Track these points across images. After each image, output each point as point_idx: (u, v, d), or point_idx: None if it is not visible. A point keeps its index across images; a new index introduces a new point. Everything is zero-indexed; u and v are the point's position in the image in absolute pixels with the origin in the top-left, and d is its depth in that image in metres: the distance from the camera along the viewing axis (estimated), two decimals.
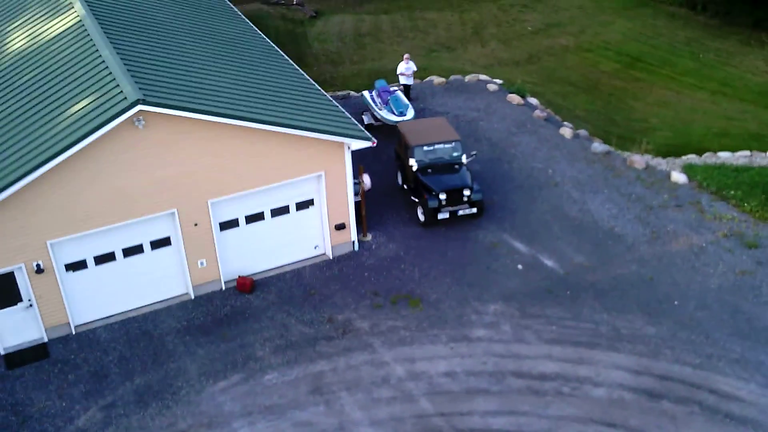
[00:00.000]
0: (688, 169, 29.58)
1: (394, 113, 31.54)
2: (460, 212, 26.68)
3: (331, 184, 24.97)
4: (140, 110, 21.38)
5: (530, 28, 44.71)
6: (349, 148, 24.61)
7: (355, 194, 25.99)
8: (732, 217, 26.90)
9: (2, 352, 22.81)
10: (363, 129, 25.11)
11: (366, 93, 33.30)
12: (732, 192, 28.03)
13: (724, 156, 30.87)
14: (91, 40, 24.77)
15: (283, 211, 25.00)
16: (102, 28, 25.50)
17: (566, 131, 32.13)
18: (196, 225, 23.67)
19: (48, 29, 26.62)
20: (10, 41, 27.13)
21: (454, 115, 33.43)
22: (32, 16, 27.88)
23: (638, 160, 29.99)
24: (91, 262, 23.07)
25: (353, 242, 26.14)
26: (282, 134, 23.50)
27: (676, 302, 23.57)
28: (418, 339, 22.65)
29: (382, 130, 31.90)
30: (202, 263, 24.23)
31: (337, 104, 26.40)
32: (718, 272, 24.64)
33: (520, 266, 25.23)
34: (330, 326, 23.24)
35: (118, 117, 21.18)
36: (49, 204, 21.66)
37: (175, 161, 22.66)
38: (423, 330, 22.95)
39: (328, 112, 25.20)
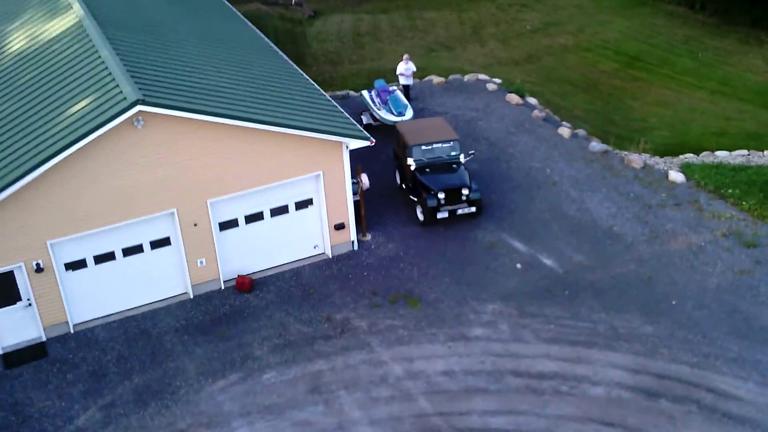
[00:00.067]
0: (686, 168, 29.64)
1: (393, 113, 31.58)
2: (459, 211, 26.73)
3: (329, 184, 25.02)
4: (139, 110, 21.44)
5: (529, 28, 44.75)
6: (347, 147, 24.66)
7: (354, 194, 26.04)
8: (730, 215, 26.95)
9: (1, 352, 22.85)
10: (361, 129, 25.17)
11: (365, 93, 33.34)
12: (730, 191, 28.09)
13: (722, 155, 30.93)
14: (91, 40, 24.82)
15: (283, 210, 25.05)
16: (101, 28, 25.54)
17: (565, 131, 32.18)
18: (195, 225, 23.71)
19: (47, 30, 26.68)
20: (9, 42, 27.19)
21: (452, 115, 33.48)
22: (32, 16, 27.93)
23: (636, 159, 30.04)
24: (90, 262, 23.13)
25: (352, 242, 26.19)
26: (281, 134, 23.55)
27: (674, 301, 23.61)
28: (417, 338, 22.70)
29: (381, 129, 31.94)
30: (201, 263, 24.28)
31: (336, 104, 26.45)
32: (717, 271, 24.68)
33: (518, 265, 25.28)
34: (328, 325, 23.29)
35: (117, 117, 21.25)
36: (49, 204, 21.72)
37: (174, 161, 22.70)
38: (421, 329, 22.99)
39: (326, 112, 25.26)
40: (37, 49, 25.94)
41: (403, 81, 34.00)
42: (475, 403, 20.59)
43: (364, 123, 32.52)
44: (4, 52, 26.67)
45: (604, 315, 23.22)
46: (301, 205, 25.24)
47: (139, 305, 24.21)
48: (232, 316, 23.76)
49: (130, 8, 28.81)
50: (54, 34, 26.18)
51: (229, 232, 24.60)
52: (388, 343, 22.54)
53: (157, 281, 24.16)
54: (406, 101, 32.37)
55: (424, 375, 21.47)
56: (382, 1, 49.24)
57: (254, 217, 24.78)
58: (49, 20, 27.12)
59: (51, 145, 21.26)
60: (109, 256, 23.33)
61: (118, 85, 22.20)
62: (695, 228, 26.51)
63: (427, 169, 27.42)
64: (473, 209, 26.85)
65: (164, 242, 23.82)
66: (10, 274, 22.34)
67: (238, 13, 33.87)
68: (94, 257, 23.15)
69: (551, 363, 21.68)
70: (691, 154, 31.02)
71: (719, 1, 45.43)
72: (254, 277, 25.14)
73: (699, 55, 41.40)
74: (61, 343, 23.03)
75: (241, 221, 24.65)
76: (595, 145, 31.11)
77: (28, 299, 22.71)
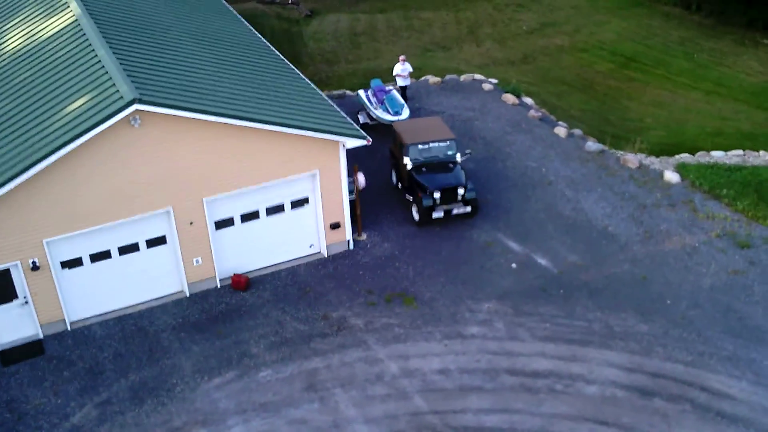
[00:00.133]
0: (681, 169, 29.73)
1: (389, 112, 31.65)
2: (455, 211, 26.80)
3: (325, 183, 25.09)
4: (136, 109, 21.49)
5: (525, 28, 44.83)
6: (343, 146, 24.72)
7: (350, 193, 26.10)
8: (725, 216, 27.06)
9: None
10: (357, 128, 25.23)
11: (361, 92, 33.41)
12: (725, 191, 28.19)
13: (717, 155, 31.04)
14: (87, 39, 24.85)
15: (278, 209, 25.10)
16: (98, 27, 25.58)
17: (560, 130, 32.28)
18: (191, 223, 23.76)
19: (44, 29, 26.69)
20: (6, 40, 27.20)
21: (449, 115, 33.55)
22: (28, 15, 27.94)
23: (632, 159, 30.14)
24: (86, 260, 23.17)
25: (348, 241, 26.25)
26: (277, 133, 23.60)
27: (668, 301, 23.71)
28: (412, 336, 22.77)
29: (377, 129, 32.01)
30: (197, 261, 24.33)
31: (332, 103, 26.51)
32: (711, 272, 24.79)
33: (514, 265, 25.36)
34: (324, 323, 23.35)
35: (114, 116, 21.29)
36: (46, 202, 21.76)
37: (170, 160, 22.75)
38: (417, 328, 23.07)
39: (322, 111, 25.32)
40: (33, 47, 25.96)
41: (400, 82, 34.03)
42: (470, 401, 20.67)
43: (361, 122, 32.59)
44: (0, 51, 26.69)
45: (599, 314, 23.32)
46: (297, 204, 25.30)
47: (135, 303, 24.26)
48: (228, 315, 23.82)
49: (127, 7, 28.84)
50: (51, 33, 26.21)
51: (225, 231, 24.65)
52: (384, 342, 22.62)
53: (153, 279, 24.21)
54: (402, 101, 32.44)
55: (419, 373, 21.54)
56: (379, 0, 49.30)
57: (250, 216, 24.84)
58: (46, 19, 27.14)
59: (48, 143, 21.30)
60: (105, 255, 23.38)
61: (114, 84, 22.25)
62: (690, 228, 26.62)
63: (423, 169, 27.49)
64: (469, 209, 26.93)
65: (160, 241, 23.87)
66: (6, 272, 22.38)
67: (235, 12, 33.91)
68: (90, 256, 23.20)
69: (546, 361, 21.77)
70: (687, 154, 31.13)
71: (715, 2, 45.55)
72: (250, 275, 25.20)
73: (694, 55, 41.51)
74: (57, 341, 23.08)
75: (237, 220, 24.70)
76: (591, 145, 31.21)
77: (25, 297, 22.75)
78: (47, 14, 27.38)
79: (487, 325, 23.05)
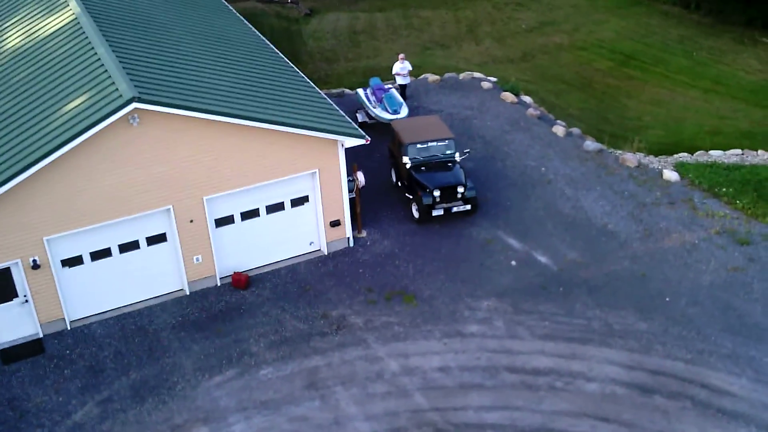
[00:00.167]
0: (680, 167, 29.77)
1: (388, 111, 31.66)
2: (454, 209, 26.83)
3: (325, 181, 25.12)
4: (135, 108, 21.51)
5: (524, 26, 44.87)
6: (342, 145, 24.75)
7: (350, 191, 26.13)
8: (724, 214, 27.10)
9: None
10: (357, 127, 25.26)
11: (360, 91, 33.42)
12: (724, 189, 28.23)
13: (716, 154, 31.07)
14: (87, 37, 24.87)
15: (278, 207, 25.13)
16: (97, 25, 25.59)
17: (559, 129, 32.31)
18: (191, 221, 23.79)
19: (43, 27, 26.71)
20: (5, 39, 27.21)
21: (448, 113, 33.58)
22: (28, 14, 27.96)
23: (631, 158, 30.17)
24: (87, 258, 23.19)
25: (348, 239, 26.28)
26: (277, 132, 23.62)
27: (668, 299, 23.75)
28: (412, 335, 22.80)
29: (376, 127, 32.02)
30: (197, 259, 24.35)
31: (331, 102, 26.54)
32: (710, 269, 24.82)
33: (513, 263, 25.39)
34: (324, 322, 23.38)
35: (113, 114, 21.32)
36: (46, 200, 21.77)
37: (170, 158, 22.77)
38: (417, 326, 23.09)
39: (322, 110, 25.34)
40: (33, 46, 25.97)
41: (399, 81, 34.04)
42: (470, 398, 20.71)
43: (360, 121, 32.60)
44: (0, 49, 26.69)
45: (599, 312, 23.35)
46: (297, 202, 25.32)
47: (135, 302, 24.28)
48: (228, 313, 23.84)
49: (127, 5, 28.85)
50: (50, 31, 26.23)
51: (225, 229, 24.68)
52: (383, 340, 22.65)
53: (154, 278, 24.23)
54: (401, 99, 32.46)
55: (419, 371, 21.58)
56: None
57: (250, 214, 24.86)
58: (45, 17, 27.15)
59: (47, 142, 21.33)
60: (106, 253, 23.40)
61: (114, 83, 22.27)
62: (689, 226, 26.66)
63: (423, 167, 27.52)
64: (468, 207, 26.96)
65: (160, 239, 23.89)
66: (6, 271, 22.40)
67: (235, 11, 33.92)
68: (91, 254, 23.22)
69: (546, 359, 21.81)
70: (686, 153, 31.17)
71: (714, 0, 45.59)
72: (250, 274, 25.22)
73: (693, 54, 41.56)
74: (58, 340, 23.09)
75: (237, 218, 24.72)
76: (590, 144, 31.24)
77: (25, 296, 22.76)
78: (47, 13, 27.39)
79: (486, 323, 23.08)
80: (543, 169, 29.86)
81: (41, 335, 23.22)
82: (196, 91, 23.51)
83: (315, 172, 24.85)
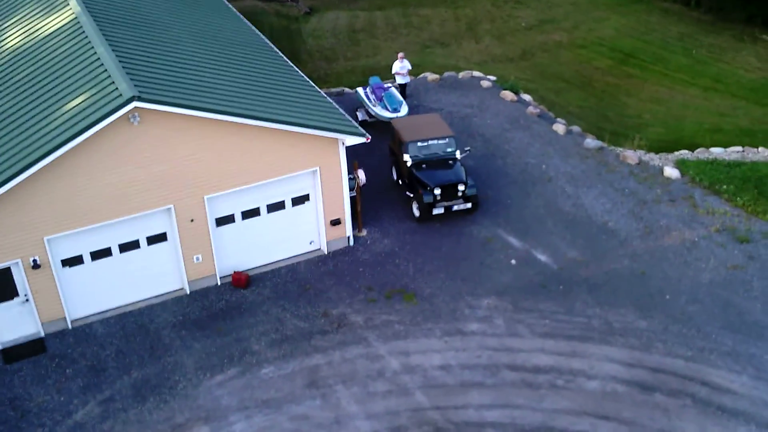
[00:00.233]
0: (680, 165, 29.79)
1: (388, 110, 31.68)
2: (455, 207, 26.85)
3: (326, 180, 25.13)
4: (135, 107, 21.51)
5: (524, 25, 44.88)
6: (343, 143, 24.76)
7: (351, 190, 26.15)
8: (724, 211, 27.11)
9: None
10: (357, 125, 25.28)
11: (360, 90, 33.42)
12: (724, 187, 28.25)
13: (716, 152, 31.09)
14: (87, 37, 24.87)
15: (279, 206, 25.14)
16: (97, 25, 25.59)
17: (559, 127, 32.32)
18: (192, 221, 23.80)
19: (43, 26, 26.71)
20: (5, 38, 27.21)
21: (447, 112, 33.60)
22: (28, 13, 27.96)
23: (631, 155, 30.19)
24: (87, 258, 23.20)
25: (348, 237, 26.30)
26: (277, 130, 23.64)
27: (668, 296, 23.77)
28: (413, 333, 22.82)
29: (376, 126, 32.06)
30: (197, 258, 24.37)
31: (331, 101, 26.55)
32: (710, 267, 24.85)
33: (513, 261, 25.41)
34: (325, 320, 23.40)
35: (113, 114, 21.31)
36: (46, 200, 21.78)
37: (170, 157, 22.78)
38: (417, 324, 23.12)
39: (322, 109, 25.35)
40: (33, 45, 25.98)
41: (399, 80, 34.02)
42: (471, 397, 20.73)
43: (360, 120, 32.63)
44: (0, 48, 26.70)
45: (599, 310, 23.37)
46: (298, 201, 25.34)
47: (136, 301, 24.30)
48: (229, 312, 23.86)
49: (127, 5, 28.85)
50: (50, 31, 26.23)
51: (226, 228, 24.69)
52: (384, 338, 22.67)
53: (154, 277, 24.24)
54: (400, 98, 32.47)
55: (420, 369, 21.60)
56: None
57: (251, 213, 24.88)
58: (45, 17, 27.16)
59: (47, 141, 21.33)
60: (106, 252, 23.41)
61: (114, 82, 22.27)
62: (689, 224, 26.68)
63: (423, 165, 27.54)
64: (469, 205, 26.98)
65: (161, 238, 23.91)
66: (7, 271, 22.40)
67: (234, 10, 33.93)
68: (91, 253, 23.23)
69: (547, 357, 21.83)
70: (686, 151, 31.19)
71: None
72: (250, 273, 25.24)
73: (693, 52, 41.57)
74: (59, 339, 23.12)
75: (238, 217, 24.74)
76: (590, 142, 31.25)
77: (26, 295, 22.78)
78: (47, 12, 27.40)
79: (487, 322, 23.10)
80: (543, 166, 29.88)
81: (43, 334, 23.24)
82: (197, 89, 23.52)
83: (316, 170, 24.87)
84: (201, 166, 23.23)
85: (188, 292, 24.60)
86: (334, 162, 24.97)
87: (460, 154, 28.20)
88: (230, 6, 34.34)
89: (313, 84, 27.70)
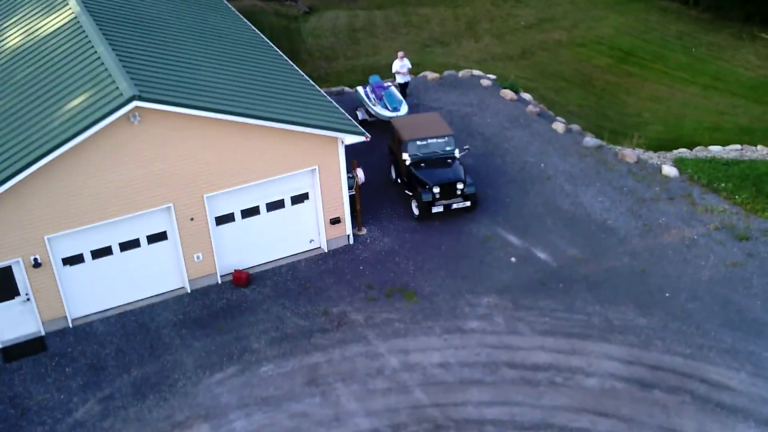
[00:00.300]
0: (679, 163, 29.83)
1: (387, 109, 31.72)
2: (454, 206, 26.90)
3: (325, 179, 25.18)
4: (136, 106, 21.56)
5: (523, 23, 44.92)
6: (342, 142, 24.82)
7: (350, 188, 26.20)
8: (723, 209, 27.16)
9: (0, 346, 22.97)
10: (356, 124, 25.33)
11: (360, 89, 33.45)
12: (723, 185, 28.29)
13: (715, 150, 31.14)
14: (87, 36, 24.93)
15: (279, 205, 25.20)
16: (97, 24, 25.65)
17: (559, 126, 32.37)
18: (192, 219, 23.86)
19: (43, 26, 26.77)
20: (5, 38, 27.27)
21: (447, 110, 33.64)
22: (28, 13, 28.02)
23: (630, 154, 30.24)
24: (88, 257, 23.26)
25: (348, 236, 26.35)
26: (276, 129, 23.69)
27: (667, 294, 23.82)
28: (413, 331, 22.87)
29: (376, 125, 32.11)
30: (198, 257, 24.42)
31: (331, 100, 26.59)
32: (709, 264, 24.90)
33: (513, 259, 25.46)
34: (325, 319, 23.45)
35: (114, 113, 21.37)
36: (46, 199, 21.84)
37: (170, 156, 22.84)
38: (417, 322, 23.17)
39: (321, 108, 25.40)
40: (33, 45, 26.04)
41: (399, 79, 34.04)
42: (470, 394, 20.78)
43: (359, 119, 32.68)
44: (0, 48, 26.76)
45: (598, 307, 23.42)
46: (297, 199, 25.39)
47: (136, 300, 24.36)
48: (229, 310, 23.92)
49: (126, 4, 28.90)
50: (50, 30, 26.28)
51: (226, 227, 24.75)
52: (384, 336, 22.72)
53: (155, 276, 24.30)
54: (400, 97, 32.52)
55: (420, 367, 21.65)
56: None
57: (250, 212, 24.93)
58: (45, 16, 27.21)
59: (48, 141, 21.39)
60: (107, 251, 23.47)
61: (114, 81, 22.32)
62: (688, 221, 26.72)
63: (422, 164, 27.59)
64: (468, 203, 27.03)
65: (161, 237, 23.96)
66: (8, 269, 22.47)
67: (234, 10, 33.98)
68: (92, 252, 23.29)
69: (546, 355, 21.88)
70: (685, 149, 31.24)
71: None
72: (251, 271, 25.30)
73: (692, 50, 41.60)
74: (59, 338, 23.17)
75: (238, 216, 24.80)
76: (589, 140, 31.30)
77: (26, 294, 22.84)
78: (47, 12, 27.45)
79: (486, 320, 23.15)
80: (542, 165, 29.93)
81: (43, 333, 23.29)
82: (197, 89, 23.57)
83: (315, 169, 24.92)
84: (201, 164, 23.29)
85: (189, 291, 24.66)
86: (333, 161, 25.03)
87: (460, 152, 28.25)
88: (229, 5, 34.39)
89: (313, 83, 27.74)
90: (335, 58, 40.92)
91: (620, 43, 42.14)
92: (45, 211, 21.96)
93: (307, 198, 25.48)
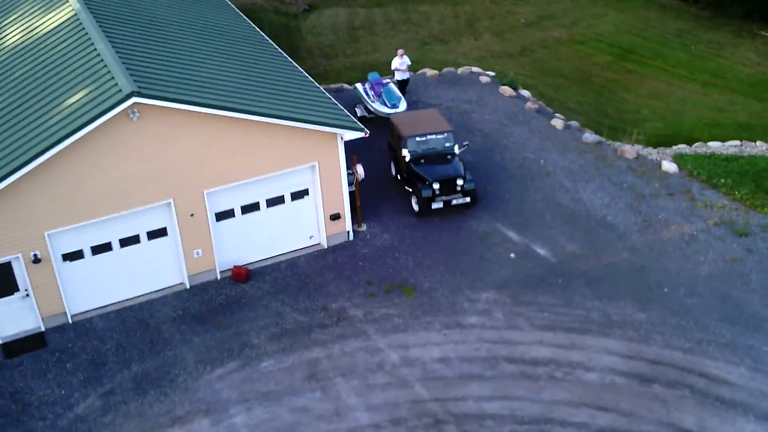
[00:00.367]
0: (678, 159, 29.86)
1: (386, 105, 31.76)
2: (454, 202, 26.92)
3: (325, 175, 25.21)
4: (135, 102, 21.59)
5: (523, 21, 44.93)
6: (342, 138, 24.84)
7: (350, 184, 26.23)
8: (722, 205, 27.19)
9: (0, 342, 23.00)
10: (356, 120, 25.36)
11: (359, 85, 33.50)
12: (722, 180, 28.32)
13: (714, 146, 31.16)
14: (86, 33, 24.95)
15: (279, 201, 25.23)
16: (97, 21, 25.68)
17: (558, 122, 32.39)
18: (192, 215, 23.88)
19: (43, 23, 26.80)
20: (5, 35, 27.30)
21: (446, 107, 33.66)
22: (27, 10, 28.05)
23: (629, 150, 30.26)
24: (87, 252, 23.29)
25: (348, 232, 26.38)
26: (276, 125, 23.72)
27: (666, 289, 23.85)
28: (412, 326, 22.90)
29: (375, 122, 32.12)
30: (197, 253, 24.45)
31: (330, 96, 26.62)
32: (709, 260, 24.93)
33: (512, 255, 25.49)
34: (324, 314, 23.48)
35: (113, 109, 21.41)
36: (46, 195, 21.87)
37: (170, 152, 22.87)
38: (416, 317, 23.20)
39: (321, 104, 25.43)
40: (32, 41, 26.07)
41: (399, 76, 34.05)
42: (470, 389, 20.81)
43: (359, 115, 32.69)
44: (0, 45, 26.78)
45: (598, 302, 23.45)
46: (297, 195, 25.42)
47: (136, 295, 24.38)
48: (228, 306, 23.94)
49: (126, 1, 28.92)
50: (50, 27, 26.31)
51: (226, 223, 24.77)
52: (384, 332, 22.75)
53: (154, 272, 24.32)
54: (399, 93, 32.55)
55: (420, 362, 21.68)
56: None
57: (250, 208, 24.96)
58: (45, 13, 27.24)
59: (47, 137, 21.41)
60: (106, 247, 23.49)
61: (113, 78, 22.35)
62: (687, 217, 26.75)
63: (422, 160, 27.62)
64: (467, 200, 27.06)
65: (161, 233, 23.99)
66: (7, 265, 22.49)
67: (233, 7, 34.00)
68: (91, 248, 23.32)
69: (545, 349, 21.91)
70: (684, 145, 31.25)
71: None
72: (250, 267, 25.32)
73: (691, 47, 41.61)
74: (60, 333, 23.20)
75: (237, 212, 24.83)
76: (589, 136, 31.33)
77: (26, 290, 22.86)
78: (46, 8, 27.48)
79: (486, 315, 23.18)
80: (542, 161, 29.96)
81: (43, 329, 23.32)
82: (196, 85, 23.60)
83: (315, 165, 24.95)
84: (200, 160, 23.32)
85: (188, 287, 24.69)
86: (332, 157, 25.06)
87: (459, 149, 28.28)
88: (229, 2, 34.43)
89: (312, 80, 27.76)
90: (335, 56, 40.94)
91: (620, 41, 42.14)
92: (45, 208, 21.99)
93: (307, 194, 25.51)
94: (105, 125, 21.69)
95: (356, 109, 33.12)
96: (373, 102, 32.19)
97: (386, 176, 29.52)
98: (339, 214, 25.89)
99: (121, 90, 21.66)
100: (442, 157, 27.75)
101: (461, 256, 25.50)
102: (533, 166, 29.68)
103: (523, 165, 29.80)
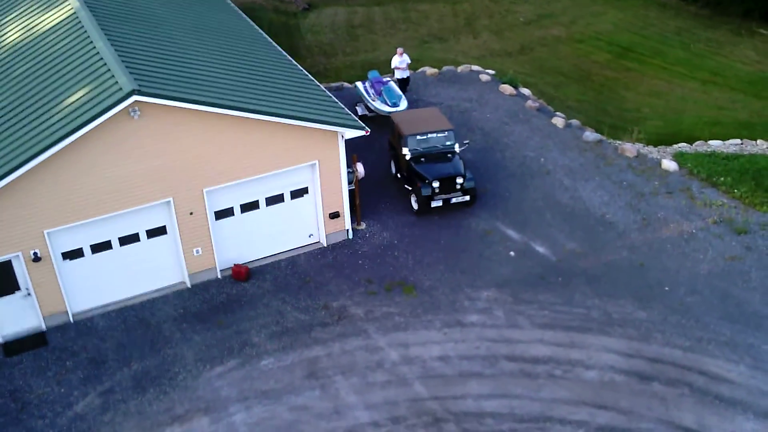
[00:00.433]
0: (678, 157, 29.87)
1: (387, 104, 31.77)
2: (453, 200, 26.94)
3: (325, 173, 25.22)
4: (135, 101, 21.58)
5: (522, 19, 44.93)
6: (342, 137, 24.85)
7: (349, 183, 26.24)
8: (722, 203, 27.21)
9: (1, 340, 23.01)
10: (356, 118, 25.36)
11: (359, 84, 33.51)
12: (722, 179, 28.33)
13: (714, 144, 31.18)
14: (86, 31, 24.94)
15: (278, 199, 25.23)
16: (96, 19, 25.67)
17: (558, 121, 32.40)
18: (191, 214, 23.89)
19: (43, 21, 26.78)
20: (5, 33, 27.29)
21: (446, 106, 33.67)
22: (27, 8, 28.04)
23: (629, 148, 30.27)
24: (87, 251, 23.28)
25: (347, 230, 26.38)
26: (276, 124, 23.72)
27: (666, 287, 23.87)
28: (412, 325, 22.91)
29: (375, 120, 32.15)
30: (197, 252, 24.45)
31: (331, 95, 26.62)
32: (708, 258, 24.94)
33: (512, 253, 25.50)
34: (325, 313, 23.49)
35: (113, 107, 21.37)
36: (46, 194, 21.86)
37: (170, 151, 22.86)
38: (417, 316, 23.21)
39: (321, 102, 25.43)
40: (32, 40, 26.05)
41: (398, 75, 34.04)
42: (470, 387, 20.83)
43: (359, 114, 32.71)
44: (0, 43, 26.77)
45: (598, 301, 23.47)
46: (297, 194, 25.43)
47: (136, 294, 24.37)
48: (229, 305, 23.95)
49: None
50: (50, 26, 26.30)
51: (225, 221, 24.78)
52: (384, 330, 22.76)
53: (154, 270, 24.33)
54: (399, 92, 32.56)
55: (419, 360, 21.69)
56: None
57: (250, 206, 24.96)
58: (44, 11, 27.23)
59: (48, 135, 21.39)
60: (106, 246, 23.49)
61: (113, 76, 22.33)
62: (687, 215, 26.77)
63: (422, 159, 27.62)
64: (467, 198, 27.07)
65: (160, 231, 23.99)
66: (8, 264, 22.48)
67: (233, 5, 34.01)
68: (91, 247, 23.31)
69: (545, 348, 21.93)
70: (684, 143, 31.26)
71: None
72: (250, 265, 25.33)
73: (691, 46, 41.62)
74: (60, 332, 23.20)
75: (237, 210, 24.83)
76: (589, 135, 31.34)
77: (27, 289, 22.87)
78: (46, 7, 27.47)
79: (486, 313, 23.19)
80: (542, 159, 29.97)
81: (44, 328, 23.32)
82: (196, 83, 23.59)
83: (315, 163, 24.95)
84: (200, 159, 23.31)
85: (189, 286, 24.69)
86: (333, 155, 25.06)
87: (459, 147, 28.28)
88: (229, 1, 34.43)
89: (312, 78, 27.76)
90: (334, 54, 40.94)
91: (619, 39, 42.16)
92: (45, 206, 21.98)
93: (307, 192, 25.51)
94: (105, 124, 21.68)
95: (356, 107, 33.14)
96: (373, 100, 32.20)
97: (386, 174, 29.53)
98: (339, 212, 25.89)
99: (121, 88, 21.64)
100: (443, 155, 27.76)
101: (461, 254, 25.51)
102: (533, 165, 29.69)
103: (524, 163, 29.81)
